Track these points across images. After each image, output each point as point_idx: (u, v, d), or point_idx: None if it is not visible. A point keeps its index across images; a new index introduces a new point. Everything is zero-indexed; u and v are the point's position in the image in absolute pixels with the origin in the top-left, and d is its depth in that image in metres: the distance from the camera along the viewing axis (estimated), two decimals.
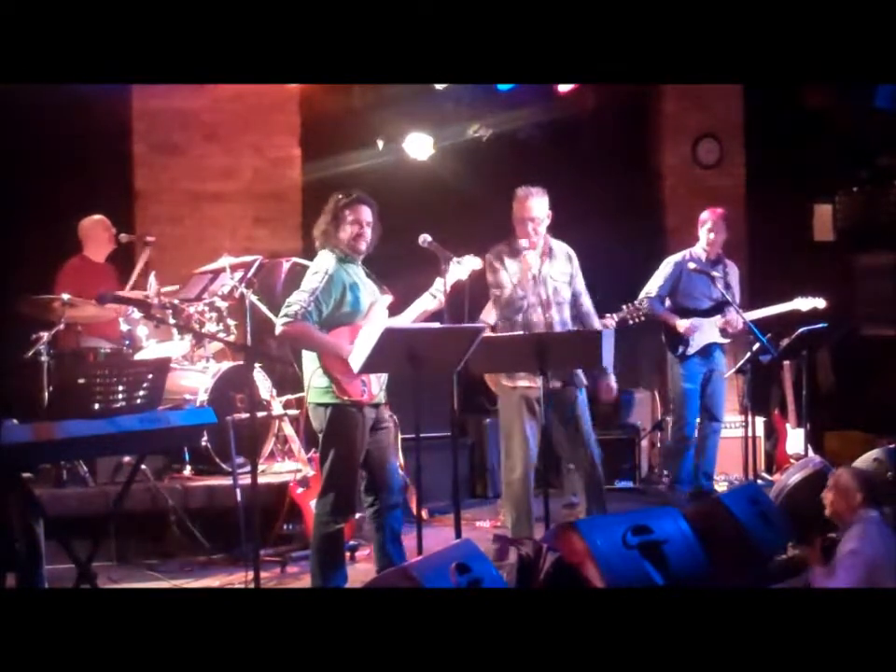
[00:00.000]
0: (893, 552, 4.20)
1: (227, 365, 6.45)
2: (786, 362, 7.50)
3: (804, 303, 7.07)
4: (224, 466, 6.12)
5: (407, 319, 4.99)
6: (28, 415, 4.40)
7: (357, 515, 5.47)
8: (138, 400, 4.30)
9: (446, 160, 7.96)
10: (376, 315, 4.89)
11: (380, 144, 7.98)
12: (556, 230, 5.75)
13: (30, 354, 5.98)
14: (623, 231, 8.06)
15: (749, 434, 6.45)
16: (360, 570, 5.47)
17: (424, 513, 5.54)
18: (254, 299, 6.42)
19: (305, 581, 5.19)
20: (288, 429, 6.18)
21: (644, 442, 7.83)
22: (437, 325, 4.88)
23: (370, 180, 6.75)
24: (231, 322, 6.57)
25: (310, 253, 5.14)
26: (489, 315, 5.99)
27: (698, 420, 7.13)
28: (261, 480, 5.80)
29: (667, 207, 8.62)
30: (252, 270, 6.48)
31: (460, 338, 4.61)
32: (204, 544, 5.92)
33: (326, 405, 4.77)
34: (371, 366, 4.52)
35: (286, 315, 4.72)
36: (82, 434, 4.05)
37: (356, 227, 4.85)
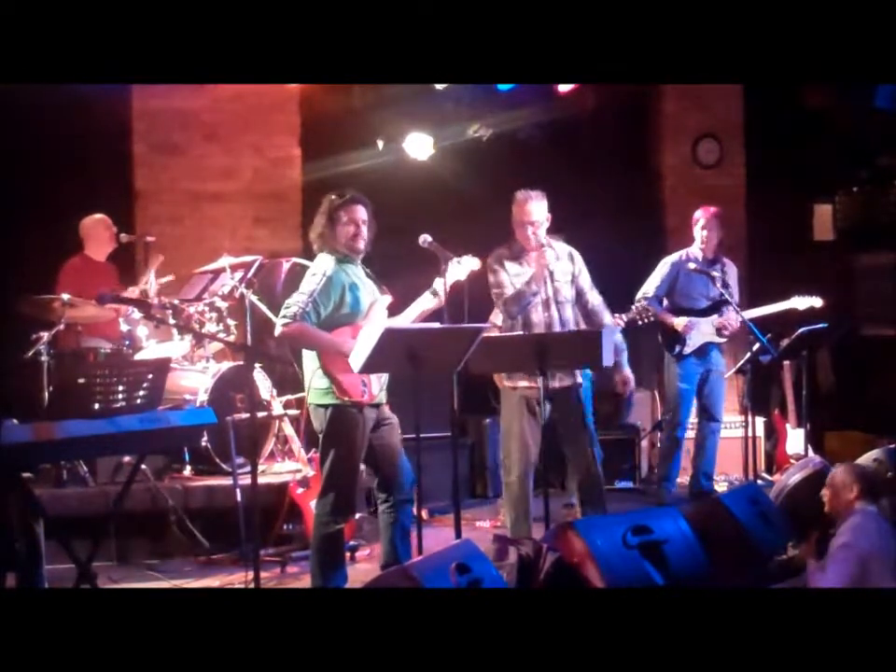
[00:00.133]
0: (889, 545, 4.20)
1: (227, 365, 6.45)
2: (786, 362, 7.50)
3: (801, 302, 7.08)
4: (224, 466, 6.12)
5: (407, 319, 4.99)
6: (28, 415, 4.40)
7: (357, 515, 5.47)
8: (138, 400, 4.30)
9: (446, 160, 7.96)
10: (376, 316, 4.89)
11: (380, 144, 7.98)
12: (556, 230, 5.75)
13: (30, 354, 5.98)
14: (623, 231, 8.07)
15: (749, 434, 6.45)
16: (360, 570, 5.48)
17: (424, 513, 5.54)
18: (254, 299, 6.42)
19: (305, 581, 5.19)
20: (288, 429, 6.18)
21: (644, 442, 7.84)
22: (437, 325, 4.88)
23: (370, 180, 6.75)
24: (231, 322, 6.57)
25: (310, 253, 5.14)
26: (497, 317, 5.99)
27: (697, 420, 7.14)
28: (261, 480, 5.80)
29: (667, 207, 8.62)
30: (252, 270, 6.48)
31: (460, 338, 4.61)
32: (204, 544, 5.91)
33: (326, 406, 4.77)
34: (371, 366, 4.52)
35: (284, 317, 4.72)
36: (82, 434, 4.05)
37: (351, 227, 4.85)
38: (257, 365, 5.95)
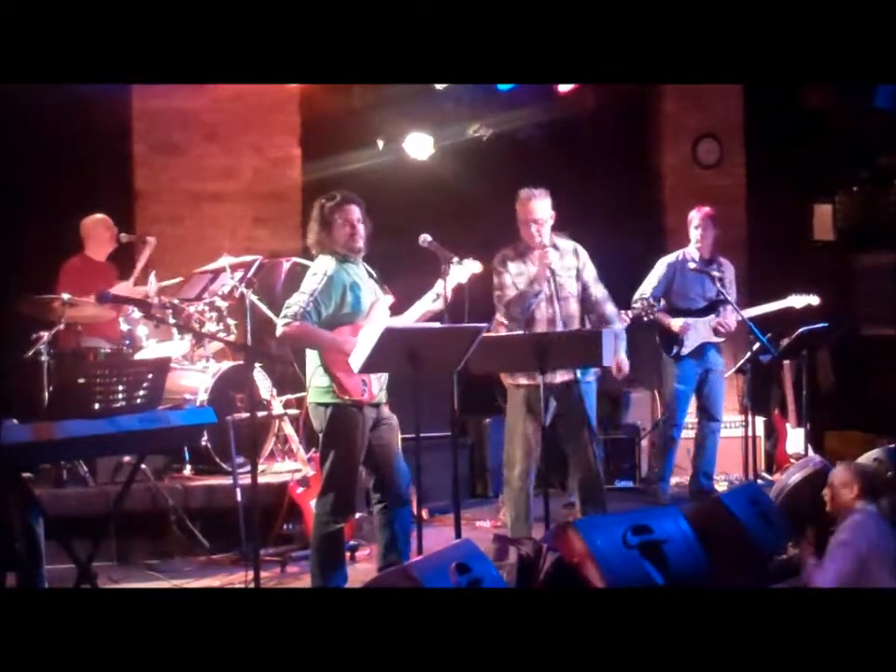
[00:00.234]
0: (888, 545, 4.20)
1: (227, 365, 6.45)
2: (786, 362, 7.51)
3: (798, 301, 7.09)
4: (224, 466, 6.12)
5: (408, 320, 5.00)
6: (28, 415, 4.39)
7: (357, 515, 5.47)
8: (138, 400, 4.30)
9: (446, 160, 7.96)
10: (377, 315, 4.89)
11: (380, 144, 7.98)
12: (557, 230, 5.75)
13: (30, 354, 5.98)
14: (623, 231, 8.06)
15: (749, 434, 6.45)
16: (360, 570, 5.47)
17: (424, 513, 5.55)
18: (254, 298, 6.42)
19: (305, 581, 5.19)
20: (289, 429, 6.18)
21: (644, 442, 7.83)
22: (437, 325, 4.88)
23: (370, 180, 6.76)
24: (231, 322, 6.57)
25: (310, 253, 5.14)
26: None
27: (697, 420, 7.14)
28: (261, 480, 5.80)
29: (667, 207, 8.62)
30: (252, 270, 6.48)
31: (460, 338, 4.61)
32: (204, 544, 5.91)
33: (326, 405, 4.77)
34: (371, 366, 4.52)
35: (285, 316, 4.72)
36: (82, 434, 4.05)
37: (347, 228, 4.84)
38: (257, 365, 5.95)
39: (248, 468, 4.97)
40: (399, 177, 7.77)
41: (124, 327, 6.41)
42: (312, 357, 4.83)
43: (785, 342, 6.51)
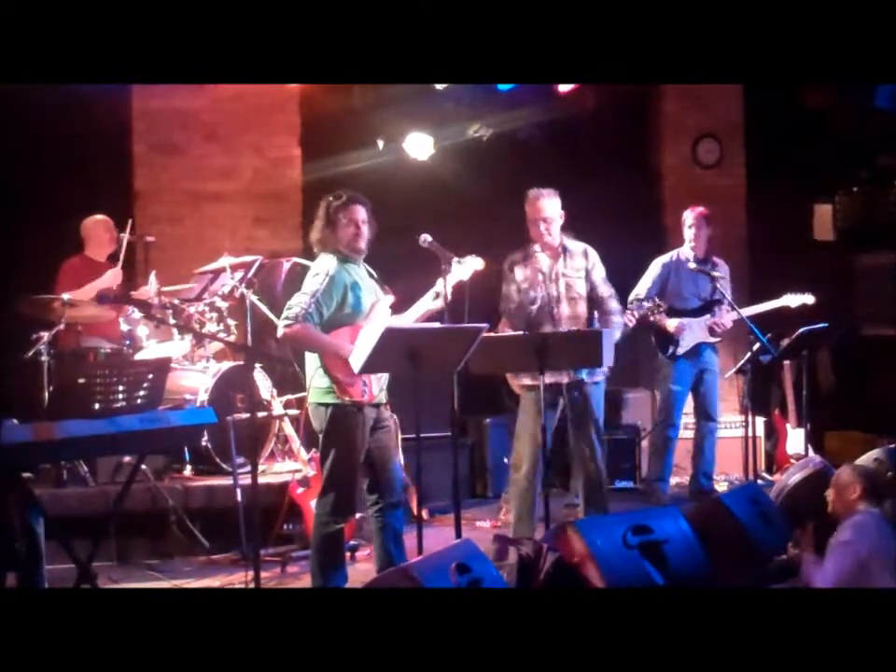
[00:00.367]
0: (889, 547, 4.20)
1: (227, 365, 6.45)
2: (786, 362, 7.51)
3: (793, 300, 7.09)
4: (224, 466, 6.12)
5: (409, 320, 5.00)
6: (28, 415, 4.40)
7: (358, 515, 5.47)
8: (138, 400, 4.30)
9: (446, 160, 7.96)
10: (378, 315, 4.88)
11: (380, 144, 7.98)
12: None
13: (30, 354, 5.98)
14: (623, 231, 8.06)
15: (750, 434, 6.46)
16: (360, 570, 5.47)
17: (424, 513, 5.55)
18: (254, 299, 6.42)
19: (305, 581, 5.19)
20: (289, 429, 6.18)
21: (644, 442, 7.83)
22: (437, 325, 4.88)
23: (370, 180, 6.76)
24: (231, 322, 6.58)
25: (310, 253, 5.14)
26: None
27: (694, 420, 7.14)
28: (261, 480, 5.81)
29: (667, 207, 8.62)
30: (252, 270, 6.49)
31: (460, 338, 4.61)
32: (204, 544, 5.92)
33: (326, 405, 4.77)
34: (371, 366, 4.52)
35: (286, 318, 4.72)
36: (82, 434, 4.05)
37: (352, 228, 4.84)
38: (257, 365, 5.95)
39: (248, 468, 4.97)
40: (398, 177, 7.77)
41: (124, 327, 6.41)
42: (312, 357, 4.83)
43: (785, 342, 6.51)
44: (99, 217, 6.86)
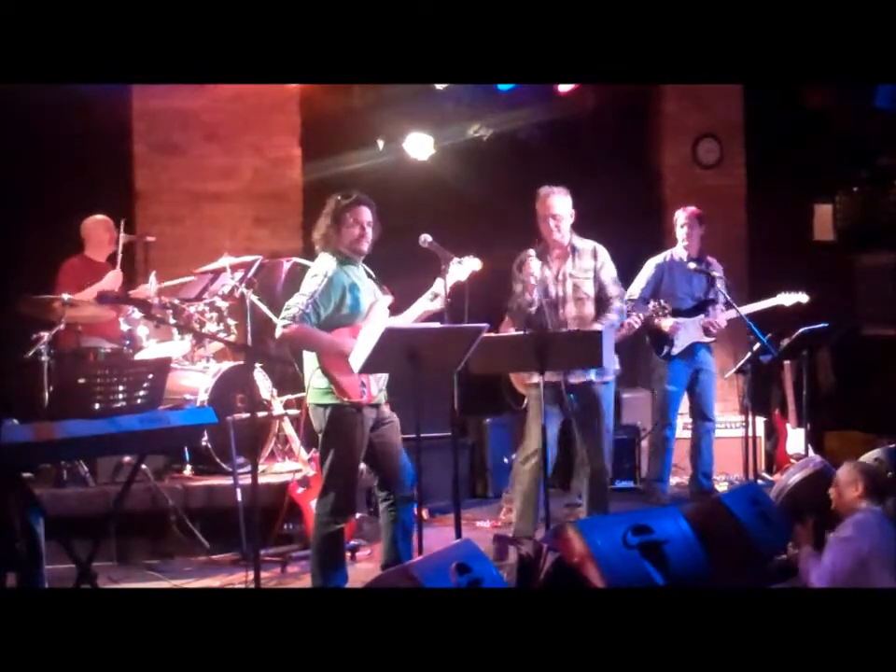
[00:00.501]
0: (889, 546, 4.19)
1: (227, 365, 6.45)
2: (786, 362, 7.51)
3: (787, 298, 7.10)
4: (224, 466, 6.12)
5: (408, 320, 5.00)
6: (28, 415, 4.40)
7: (358, 515, 5.47)
8: (138, 400, 4.30)
9: (446, 160, 7.96)
10: (376, 316, 4.88)
11: (380, 144, 7.98)
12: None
13: (30, 354, 5.98)
14: (623, 230, 8.05)
15: (750, 434, 6.45)
16: (360, 570, 5.47)
17: (424, 513, 5.54)
18: (254, 299, 6.42)
19: (305, 581, 5.19)
20: (289, 429, 6.18)
21: (644, 442, 7.83)
22: (437, 325, 4.88)
23: (370, 180, 6.75)
24: (231, 322, 6.58)
25: (310, 253, 5.14)
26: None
27: (691, 420, 7.15)
28: (261, 480, 5.80)
29: (667, 207, 8.60)
30: (252, 270, 6.49)
31: (460, 338, 4.61)
32: (204, 544, 5.91)
33: (325, 405, 4.77)
34: (371, 366, 4.52)
35: (284, 318, 4.72)
36: (82, 434, 4.05)
37: (357, 228, 4.85)
38: (257, 365, 5.95)
39: (248, 468, 4.98)
40: (399, 177, 7.77)
41: (124, 327, 6.41)
42: (310, 358, 4.83)
43: (785, 342, 6.51)
44: (99, 217, 6.86)
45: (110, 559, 5.72)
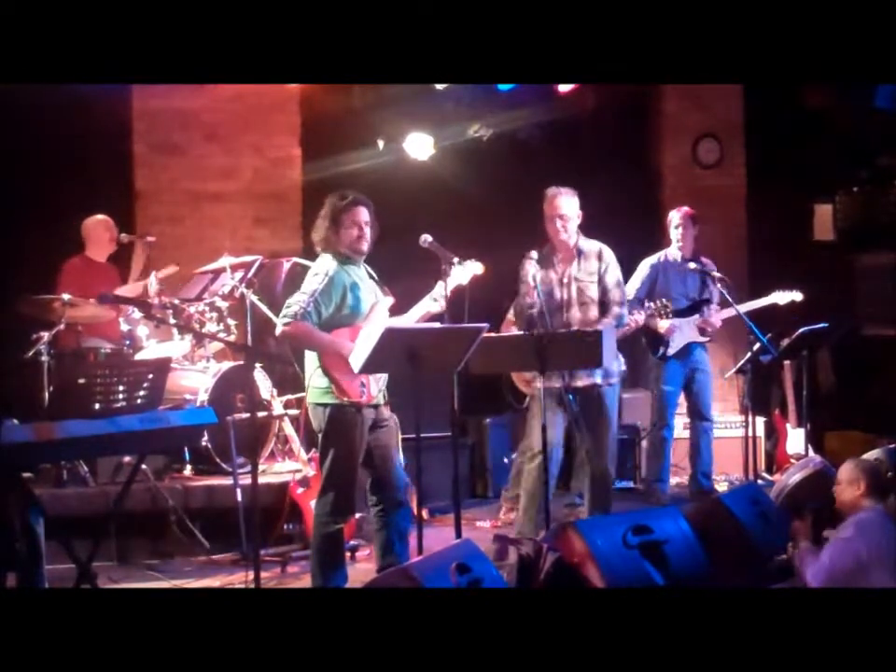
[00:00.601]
0: (890, 546, 4.19)
1: (227, 365, 6.45)
2: (786, 362, 7.51)
3: (781, 297, 7.11)
4: (224, 466, 6.12)
5: (409, 321, 5.00)
6: (28, 415, 4.40)
7: (358, 515, 5.47)
8: (138, 400, 4.30)
9: (446, 160, 7.96)
10: (377, 316, 4.88)
11: (380, 144, 7.98)
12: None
13: (30, 354, 5.99)
14: (623, 230, 8.05)
15: (750, 434, 6.46)
16: (360, 570, 5.47)
17: (424, 513, 5.54)
18: (254, 299, 6.42)
19: (305, 581, 5.19)
20: (289, 429, 6.18)
21: (644, 442, 7.83)
22: (437, 325, 4.88)
23: (370, 180, 6.75)
24: (231, 322, 6.58)
25: (310, 253, 5.14)
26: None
27: (689, 421, 7.15)
28: (262, 480, 5.80)
29: (667, 207, 8.58)
30: (252, 270, 6.49)
31: (460, 338, 4.61)
32: (204, 544, 5.91)
33: (325, 405, 4.77)
34: (371, 366, 4.52)
35: (285, 316, 4.73)
36: (82, 434, 4.05)
37: (355, 229, 4.85)
38: (257, 365, 5.95)
39: (249, 468, 4.98)
40: (399, 177, 7.77)
41: (124, 327, 6.41)
42: (311, 357, 4.83)
43: (785, 342, 6.52)
44: (99, 217, 6.87)
45: (110, 559, 5.72)
